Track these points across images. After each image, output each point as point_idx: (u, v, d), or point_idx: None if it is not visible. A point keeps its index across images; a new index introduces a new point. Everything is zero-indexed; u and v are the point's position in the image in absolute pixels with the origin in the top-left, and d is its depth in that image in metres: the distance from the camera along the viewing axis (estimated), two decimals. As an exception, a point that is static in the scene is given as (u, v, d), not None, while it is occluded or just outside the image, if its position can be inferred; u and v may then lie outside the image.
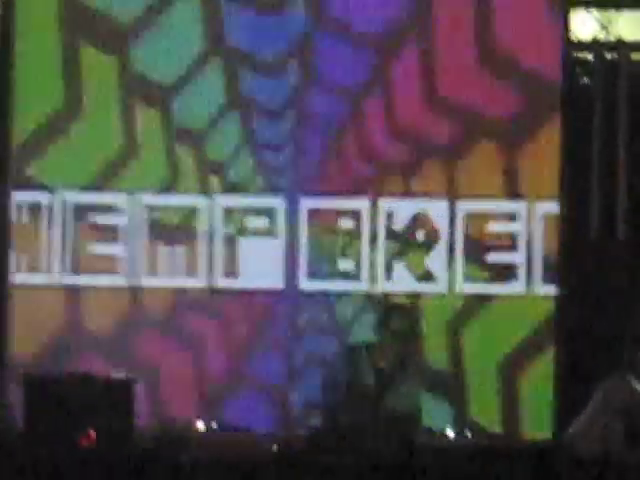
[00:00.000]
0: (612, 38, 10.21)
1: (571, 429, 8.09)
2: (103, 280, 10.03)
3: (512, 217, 10.25)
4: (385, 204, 10.04)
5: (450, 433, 9.12)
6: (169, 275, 10.01)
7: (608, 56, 10.24)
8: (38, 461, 6.72)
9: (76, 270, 10.08)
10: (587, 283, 9.77)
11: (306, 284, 10.11)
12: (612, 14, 10.27)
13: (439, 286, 10.05)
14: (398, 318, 8.26)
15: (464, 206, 9.89)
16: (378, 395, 7.98)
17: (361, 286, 10.09)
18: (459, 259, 9.95)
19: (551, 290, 10.02)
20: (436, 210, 10.03)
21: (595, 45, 10.25)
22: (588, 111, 10.05)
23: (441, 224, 10.06)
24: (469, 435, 9.12)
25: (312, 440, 7.79)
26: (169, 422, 8.70)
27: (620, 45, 10.22)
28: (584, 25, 10.21)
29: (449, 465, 7.20)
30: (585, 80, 10.24)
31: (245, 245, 9.95)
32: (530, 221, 10.11)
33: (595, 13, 10.20)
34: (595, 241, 9.86)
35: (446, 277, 10.00)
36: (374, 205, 10.04)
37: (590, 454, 7.37)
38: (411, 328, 8.36)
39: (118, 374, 8.63)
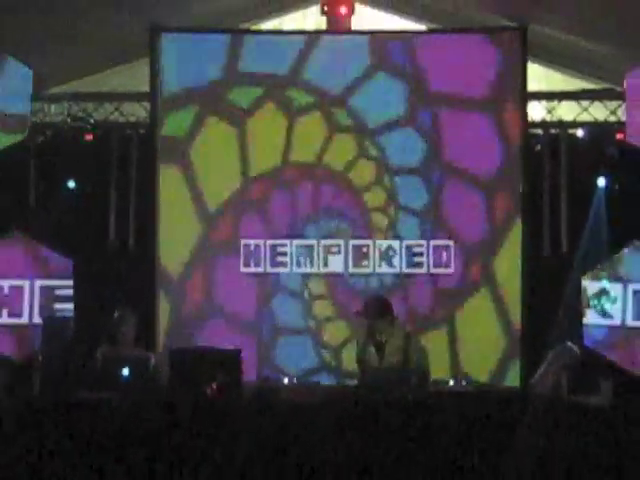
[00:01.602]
0: (555, 119, 10.61)
1: (532, 380, 8.41)
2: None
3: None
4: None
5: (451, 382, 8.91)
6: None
7: (552, 130, 10.66)
8: (179, 406, 7.34)
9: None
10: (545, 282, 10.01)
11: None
12: (555, 103, 10.57)
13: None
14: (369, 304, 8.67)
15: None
16: (379, 360, 8.43)
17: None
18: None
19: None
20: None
21: (545, 123, 10.68)
22: (539, 169, 10.41)
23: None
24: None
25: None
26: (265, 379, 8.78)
27: (560, 123, 10.62)
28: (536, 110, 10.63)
29: (449, 404, 7.58)
30: (537, 147, 10.61)
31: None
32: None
33: (544, 102, 10.64)
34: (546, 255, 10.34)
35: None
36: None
37: (543, 396, 7.70)
38: (380, 312, 8.56)
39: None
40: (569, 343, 8.43)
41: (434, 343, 9.82)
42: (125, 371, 7.84)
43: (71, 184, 10.53)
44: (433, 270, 10.34)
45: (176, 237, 10.40)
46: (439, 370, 9.24)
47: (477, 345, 10.22)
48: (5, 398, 7.76)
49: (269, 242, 10.39)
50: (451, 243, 10.29)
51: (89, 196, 10.54)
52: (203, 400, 7.52)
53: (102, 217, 10.52)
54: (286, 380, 8.63)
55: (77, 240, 9.66)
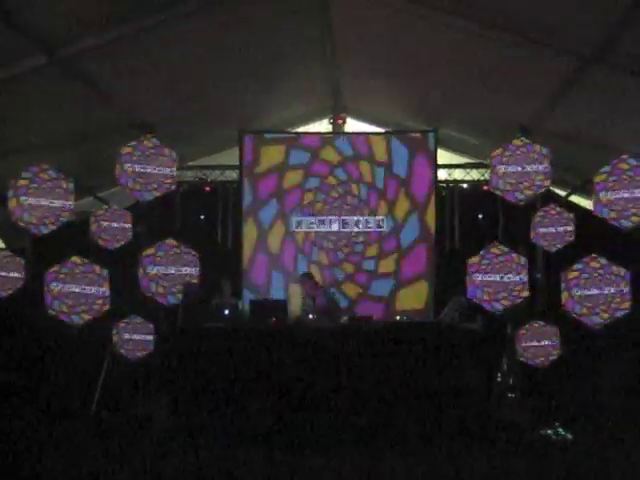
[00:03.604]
0: (452, 178, 10.41)
1: (440, 315, 8.35)
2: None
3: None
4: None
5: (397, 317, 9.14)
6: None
7: (451, 185, 10.39)
8: (256, 330, 7.50)
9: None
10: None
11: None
12: (452, 170, 10.44)
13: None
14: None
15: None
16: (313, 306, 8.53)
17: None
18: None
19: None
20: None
21: (447, 181, 10.43)
22: (444, 205, 10.25)
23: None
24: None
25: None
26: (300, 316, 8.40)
27: (454, 181, 10.41)
28: (443, 173, 10.34)
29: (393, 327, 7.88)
30: (443, 193, 10.28)
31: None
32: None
33: (444, 171, 10.34)
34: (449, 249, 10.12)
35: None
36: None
37: (447, 325, 7.79)
38: (306, 279, 8.92)
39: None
40: (459, 296, 8.26)
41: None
42: (226, 311, 7.89)
43: (200, 216, 10.55)
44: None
45: (250, 239, 10.22)
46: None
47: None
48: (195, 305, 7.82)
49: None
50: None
51: (207, 220, 10.51)
52: (267, 326, 7.62)
53: (214, 232, 10.38)
54: (310, 316, 8.29)
55: (200, 244, 9.14)
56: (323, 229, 10.23)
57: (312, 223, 10.24)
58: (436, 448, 6.63)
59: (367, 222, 10.19)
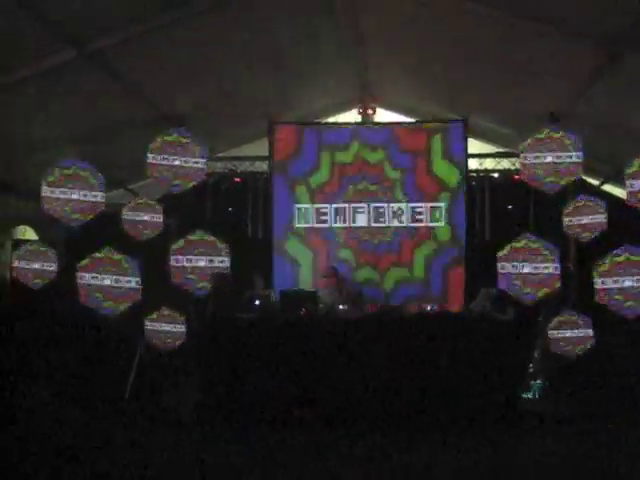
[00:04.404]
0: (482, 167, 10.32)
1: (470, 306, 8.26)
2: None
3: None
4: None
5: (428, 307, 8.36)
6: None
7: (482, 174, 10.28)
8: (285, 320, 7.59)
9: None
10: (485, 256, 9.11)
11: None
12: (483, 160, 10.31)
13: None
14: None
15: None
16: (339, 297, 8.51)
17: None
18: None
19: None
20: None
21: (477, 170, 10.29)
22: (474, 195, 10.06)
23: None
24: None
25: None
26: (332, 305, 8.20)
27: (484, 171, 10.32)
28: (473, 162, 10.19)
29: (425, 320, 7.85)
30: (473, 183, 10.12)
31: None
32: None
33: (474, 160, 10.24)
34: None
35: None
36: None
37: (477, 314, 7.79)
38: (333, 274, 8.98)
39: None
40: (490, 288, 8.18)
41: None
42: (257, 302, 7.94)
43: (230, 208, 10.50)
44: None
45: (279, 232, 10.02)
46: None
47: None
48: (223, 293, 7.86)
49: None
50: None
51: (237, 211, 10.46)
52: (298, 317, 7.67)
53: (244, 222, 10.35)
54: (340, 306, 8.18)
55: (230, 235, 9.17)
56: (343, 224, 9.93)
57: (324, 214, 9.98)
58: (460, 438, 6.69)
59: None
